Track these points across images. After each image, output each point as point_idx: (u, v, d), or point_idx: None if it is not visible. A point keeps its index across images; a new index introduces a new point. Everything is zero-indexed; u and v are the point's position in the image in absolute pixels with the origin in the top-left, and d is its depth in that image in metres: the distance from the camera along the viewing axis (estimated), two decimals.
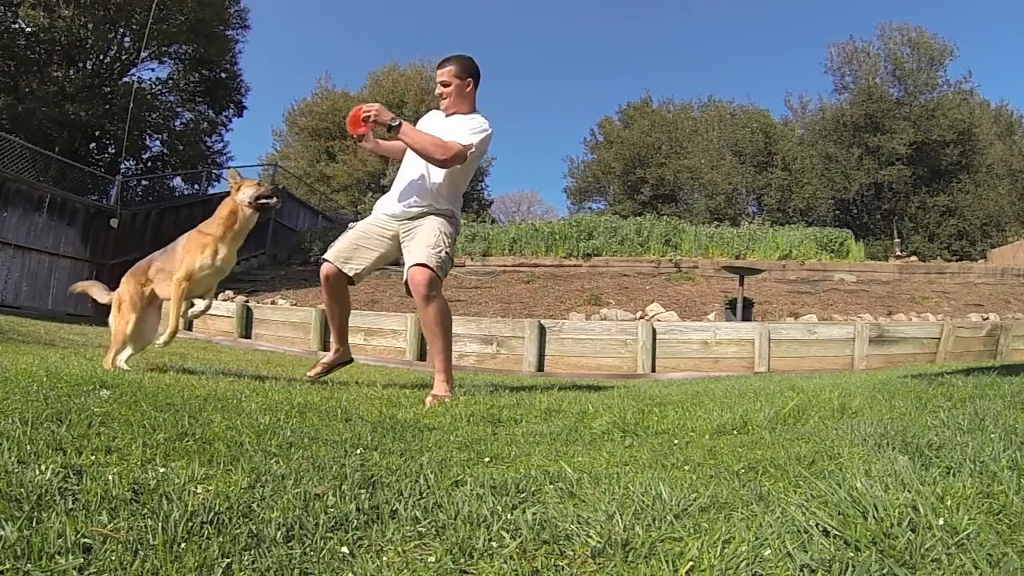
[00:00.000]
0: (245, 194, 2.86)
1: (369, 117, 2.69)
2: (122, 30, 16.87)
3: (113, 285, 3.09)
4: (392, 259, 2.91)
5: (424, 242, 2.68)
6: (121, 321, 2.86)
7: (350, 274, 2.82)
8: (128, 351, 2.91)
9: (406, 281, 2.67)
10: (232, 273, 12.45)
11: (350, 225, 3.03)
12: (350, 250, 2.83)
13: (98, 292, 3.04)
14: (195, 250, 2.82)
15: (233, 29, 19.18)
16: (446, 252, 2.70)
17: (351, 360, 3.18)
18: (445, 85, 2.83)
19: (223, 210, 2.88)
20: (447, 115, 2.87)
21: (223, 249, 2.84)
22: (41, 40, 15.18)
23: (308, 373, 3.09)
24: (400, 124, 2.65)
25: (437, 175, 2.79)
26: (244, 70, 20.35)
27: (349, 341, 3.14)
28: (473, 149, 2.71)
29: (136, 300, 2.88)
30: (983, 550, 0.79)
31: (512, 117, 55.58)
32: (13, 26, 14.88)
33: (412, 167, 2.85)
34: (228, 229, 2.86)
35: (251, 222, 2.91)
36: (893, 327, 6.93)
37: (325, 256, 2.86)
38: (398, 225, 2.82)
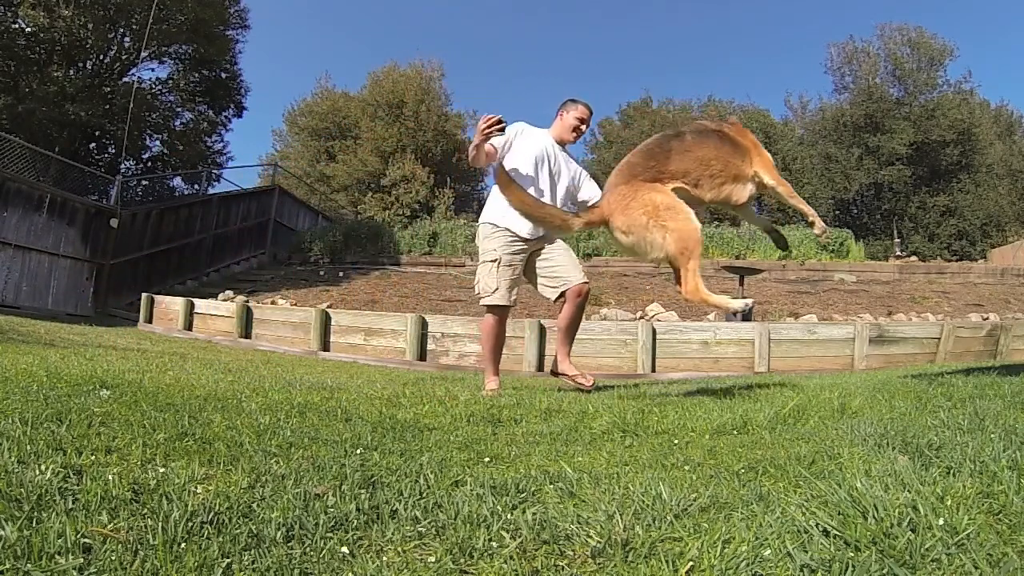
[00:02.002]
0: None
1: None
2: (122, 30, 16.85)
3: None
4: None
5: (575, 261, 3.25)
6: (682, 223, 2.07)
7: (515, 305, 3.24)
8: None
9: (564, 292, 3.16)
10: (232, 273, 12.47)
11: (495, 260, 3.16)
12: (514, 287, 3.18)
13: None
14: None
15: (233, 29, 19.16)
16: None
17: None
18: (585, 128, 3.32)
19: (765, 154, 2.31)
20: (563, 147, 3.30)
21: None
22: (41, 40, 15.17)
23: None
24: None
25: (562, 201, 3.23)
26: (244, 70, 20.34)
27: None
28: None
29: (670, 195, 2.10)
30: (983, 550, 0.79)
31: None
32: (13, 26, 14.87)
33: (548, 189, 3.17)
34: (771, 170, 2.27)
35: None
36: (893, 327, 6.93)
37: (502, 303, 3.13)
38: (534, 244, 3.19)
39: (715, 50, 48.20)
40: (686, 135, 2.31)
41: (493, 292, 3.08)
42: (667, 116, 24.95)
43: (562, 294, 3.16)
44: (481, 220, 3.22)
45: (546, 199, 3.03)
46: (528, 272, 3.22)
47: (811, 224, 2.44)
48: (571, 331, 3.25)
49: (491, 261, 3.07)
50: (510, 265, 3.10)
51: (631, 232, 2.10)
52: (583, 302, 3.19)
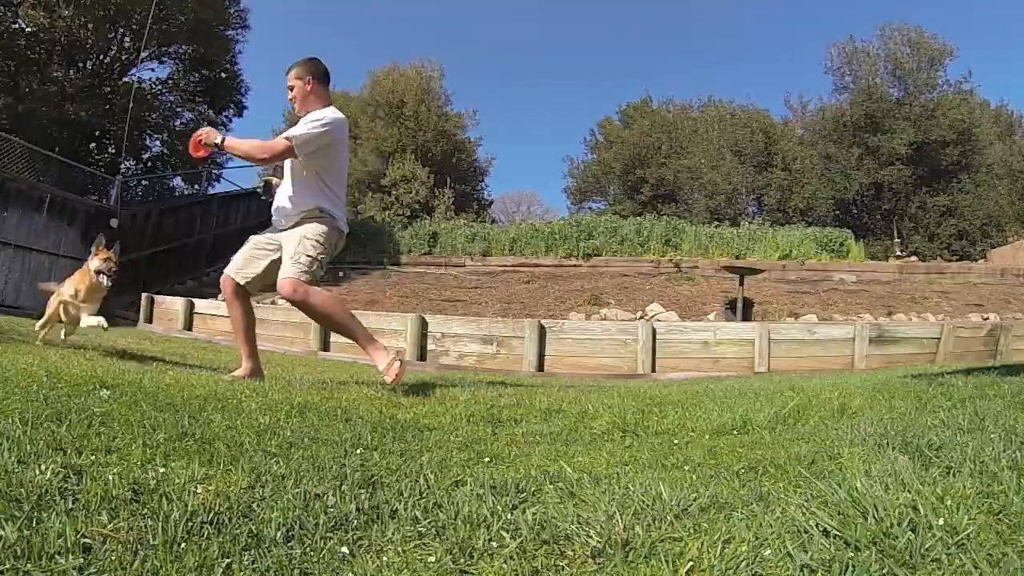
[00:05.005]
0: (93, 263, 3.42)
1: (201, 140, 2.89)
2: (122, 30, 16.85)
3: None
4: None
5: (287, 253, 2.85)
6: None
7: (242, 283, 2.93)
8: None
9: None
10: None
11: (250, 239, 3.09)
12: (243, 262, 2.97)
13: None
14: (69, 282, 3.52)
15: (233, 29, 19.15)
16: (307, 256, 2.82)
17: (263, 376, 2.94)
18: (290, 89, 2.99)
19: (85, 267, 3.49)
20: (299, 116, 3.01)
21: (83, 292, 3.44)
22: (41, 40, 15.17)
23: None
24: (223, 140, 2.88)
25: (300, 180, 2.95)
26: (244, 70, 20.26)
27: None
28: (303, 140, 2.80)
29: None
30: (983, 550, 0.79)
31: (512, 117, 55.59)
32: (13, 26, 14.87)
33: (287, 179, 3.02)
34: (82, 283, 3.47)
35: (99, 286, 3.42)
36: (893, 327, 6.93)
37: (226, 270, 2.97)
38: (281, 234, 2.97)
39: (715, 50, 48.24)
40: None
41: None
42: (667, 116, 24.94)
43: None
44: None
45: (288, 179, 3.01)
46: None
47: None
48: (329, 329, 2.88)
49: None
50: (251, 243, 3.02)
51: None
52: (293, 301, 2.80)
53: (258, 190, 3.19)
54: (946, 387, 2.34)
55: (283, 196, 3.00)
